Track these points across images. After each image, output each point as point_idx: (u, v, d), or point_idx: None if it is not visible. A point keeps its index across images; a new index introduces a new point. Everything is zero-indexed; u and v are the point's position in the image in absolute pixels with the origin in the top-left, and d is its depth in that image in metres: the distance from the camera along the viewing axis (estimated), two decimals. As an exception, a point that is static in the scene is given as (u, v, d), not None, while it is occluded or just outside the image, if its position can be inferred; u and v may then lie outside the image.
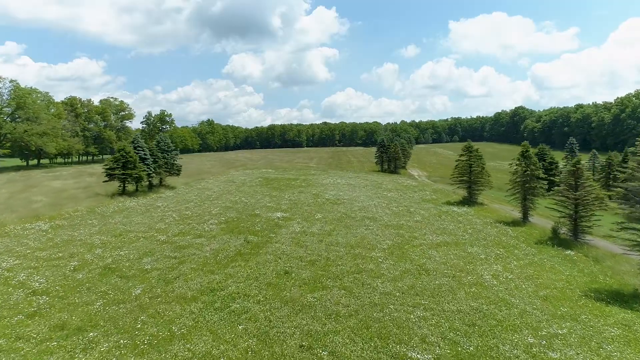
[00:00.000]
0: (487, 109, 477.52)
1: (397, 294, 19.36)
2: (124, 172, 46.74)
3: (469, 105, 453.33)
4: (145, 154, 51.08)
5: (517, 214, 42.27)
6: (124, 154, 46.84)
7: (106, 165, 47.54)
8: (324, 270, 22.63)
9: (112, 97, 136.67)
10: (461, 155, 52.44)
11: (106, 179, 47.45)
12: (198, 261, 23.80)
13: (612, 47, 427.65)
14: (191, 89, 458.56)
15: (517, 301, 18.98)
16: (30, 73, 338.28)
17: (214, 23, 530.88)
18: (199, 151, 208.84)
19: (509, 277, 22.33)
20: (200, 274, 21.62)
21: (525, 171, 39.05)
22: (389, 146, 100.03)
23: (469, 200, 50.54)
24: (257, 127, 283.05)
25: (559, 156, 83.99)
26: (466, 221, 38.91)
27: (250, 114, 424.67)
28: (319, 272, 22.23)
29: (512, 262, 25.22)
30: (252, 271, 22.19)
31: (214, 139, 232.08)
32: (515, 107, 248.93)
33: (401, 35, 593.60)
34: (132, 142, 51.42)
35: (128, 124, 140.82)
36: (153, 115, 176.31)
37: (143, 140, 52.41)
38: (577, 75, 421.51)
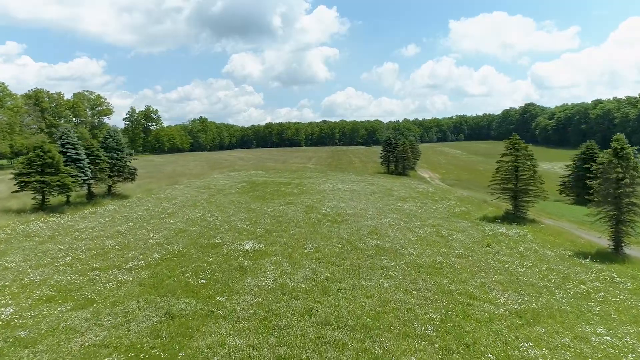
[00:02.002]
0: (486, 108, 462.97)
1: None
2: (41, 178, 33.43)
3: (469, 104, 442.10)
4: (78, 154, 37.74)
5: (598, 240, 29.25)
6: (41, 154, 33.51)
7: (15, 169, 34.20)
8: None
9: (87, 91, 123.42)
10: (504, 154, 39.10)
11: (16, 188, 34.06)
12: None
13: (612, 47, 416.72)
14: (191, 88, 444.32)
15: None
16: (30, 73, 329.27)
17: (214, 23, 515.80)
18: (191, 150, 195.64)
19: None
20: None
21: (622, 179, 25.78)
22: (396, 145, 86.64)
23: (514, 215, 37.35)
24: (253, 125, 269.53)
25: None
26: (532, 254, 25.70)
27: (250, 113, 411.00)
28: None
29: None
30: None
31: (207, 137, 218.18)
32: (526, 104, 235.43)
33: (401, 35, 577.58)
34: (61, 137, 37.99)
35: (107, 120, 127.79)
36: (137, 112, 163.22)
37: (76, 135, 38.96)
38: (577, 75, 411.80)
